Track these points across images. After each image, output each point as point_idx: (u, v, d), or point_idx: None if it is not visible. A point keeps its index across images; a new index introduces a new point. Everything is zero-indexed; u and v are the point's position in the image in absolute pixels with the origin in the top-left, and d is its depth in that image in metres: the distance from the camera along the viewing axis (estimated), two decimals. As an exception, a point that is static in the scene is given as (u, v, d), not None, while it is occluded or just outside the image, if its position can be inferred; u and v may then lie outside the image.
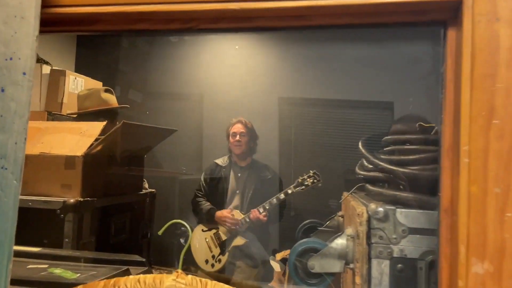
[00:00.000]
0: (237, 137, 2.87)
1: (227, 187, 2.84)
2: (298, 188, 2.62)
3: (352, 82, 3.66)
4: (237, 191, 2.85)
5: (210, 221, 2.82)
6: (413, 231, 0.85)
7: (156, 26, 0.80)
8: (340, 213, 1.29)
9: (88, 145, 1.76)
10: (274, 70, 3.83)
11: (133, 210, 2.07)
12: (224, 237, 2.76)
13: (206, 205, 2.85)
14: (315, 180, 2.62)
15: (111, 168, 1.91)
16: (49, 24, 0.79)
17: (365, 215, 0.87)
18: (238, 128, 2.91)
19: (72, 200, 1.61)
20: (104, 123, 1.86)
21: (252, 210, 2.71)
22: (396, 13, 0.71)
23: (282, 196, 2.65)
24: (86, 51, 4.02)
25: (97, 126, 1.86)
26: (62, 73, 3.10)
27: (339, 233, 0.98)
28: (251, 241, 2.70)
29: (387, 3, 0.68)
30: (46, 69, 3.10)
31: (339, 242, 0.94)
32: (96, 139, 1.81)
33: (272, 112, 3.82)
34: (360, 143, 1.15)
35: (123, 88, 3.73)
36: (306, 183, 2.62)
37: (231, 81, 3.91)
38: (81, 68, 3.93)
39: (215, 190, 2.89)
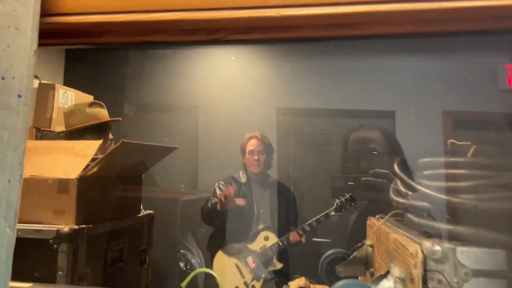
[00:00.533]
0: (256, 156, 2.73)
1: (252, 206, 2.69)
2: (338, 212, 2.55)
3: (352, 91, 3.57)
4: (261, 210, 2.70)
5: (232, 249, 2.66)
6: (477, 273, 0.73)
7: (175, 38, 0.67)
8: (368, 242, 1.16)
9: (83, 166, 1.61)
10: (271, 80, 3.73)
11: (130, 235, 1.91)
12: (257, 261, 2.60)
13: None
14: (352, 203, 2.55)
15: (108, 190, 1.76)
16: (49, 35, 0.66)
17: (420, 256, 0.74)
18: (255, 145, 2.77)
19: (66, 229, 1.46)
20: (100, 141, 1.72)
21: (291, 232, 2.58)
22: (472, 20, 0.59)
23: (322, 218, 2.56)
24: (75, 64, 3.87)
25: (92, 146, 1.72)
26: (51, 87, 2.94)
27: (383, 274, 0.85)
28: (286, 265, 2.57)
29: (465, 8, 0.56)
30: (34, 83, 2.95)
31: (387, 286, 0.81)
32: (93, 159, 1.67)
33: (270, 124, 3.71)
34: (395, 164, 1.03)
35: (115, 101, 3.58)
36: (346, 206, 2.54)
37: (227, 92, 3.79)
38: (71, 81, 3.77)
39: (237, 210, 2.70)
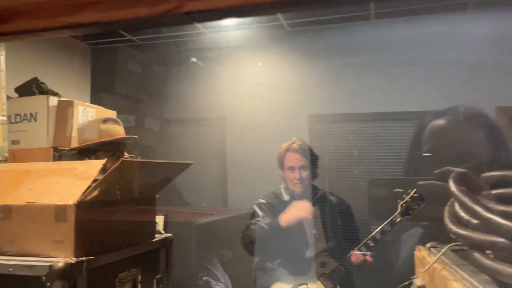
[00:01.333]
0: (297, 174, 2.32)
1: (302, 228, 2.27)
2: (405, 215, 2.03)
3: (388, 93, 3.26)
4: (314, 231, 2.29)
5: (295, 280, 2.29)
6: None
7: (109, 16, 0.44)
8: (418, 283, 0.89)
9: (83, 190, 1.43)
10: (302, 85, 3.48)
11: (143, 263, 1.71)
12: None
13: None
14: (420, 202, 1.97)
15: (114, 215, 1.57)
16: None
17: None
18: (296, 160, 2.34)
19: (60, 264, 1.27)
20: (103, 161, 1.53)
21: (352, 252, 2.16)
22: None
23: (387, 228, 2.09)
24: (100, 80, 3.78)
25: (94, 166, 1.54)
26: (70, 104, 2.83)
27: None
28: None
29: None
30: (54, 101, 2.85)
31: None
32: (95, 180, 1.48)
33: (301, 132, 3.45)
34: (451, 180, 0.76)
35: (138, 117, 3.45)
36: (413, 206, 2.01)
37: (255, 101, 3.58)
38: (96, 98, 3.68)
39: (284, 233, 2.28)
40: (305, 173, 2.35)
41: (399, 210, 2.09)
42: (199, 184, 3.55)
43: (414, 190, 2.04)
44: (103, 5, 0.43)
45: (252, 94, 3.60)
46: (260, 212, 2.35)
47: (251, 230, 2.27)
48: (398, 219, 2.11)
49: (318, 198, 2.39)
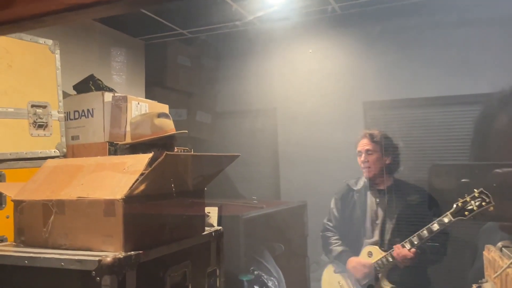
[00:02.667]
0: (362, 157, 2.37)
1: (364, 217, 2.31)
2: (458, 216, 1.97)
3: (448, 76, 3.02)
4: (377, 222, 2.31)
5: (341, 266, 2.34)
6: None
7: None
8: (488, 287, 0.78)
9: (130, 184, 1.43)
10: (356, 72, 3.32)
11: (194, 257, 1.70)
12: (362, 281, 2.23)
13: (336, 245, 2.35)
14: (483, 203, 1.91)
15: (162, 209, 1.56)
16: None
17: None
18: (363, 144, 2.40)
19: (109, 258, 1.27)
20: (150, 155, 1.52)
21: (395, 246, 2.17)
22: None
23: (435, 226, 2.04)
24: (153, 75, 3.84)
25: (142, 160, 1.53)
26: (124, 99, 2.89)
27: None
28: (397, 284, 2.15)
29: None
30: (108, 97, 2.92)
31: None
32: (142, 174, 1.48)
33: (356, 120, 3.30)
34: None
35: (190, 110, 3.46)
36: (469, 207, 1.94)
37: (306, 89, 3.47)
38: (150, 93, 3.75)
39: (349, 221, 2.38)
40: (372, 158, 2.36)
41: (452, 209, 1.96)
42: (251, 176, 3.53)
43: (480, 189, 1.88)
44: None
45: (304, 83, 3.50)
46: (334, 211, 2.44)
47: (325, 243, 2.40)
48: (447, 220, 1.98)
49: (390, 188, 2.36)
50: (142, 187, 1.42)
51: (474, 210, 1.90)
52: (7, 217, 2.02)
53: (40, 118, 2.26)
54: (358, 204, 2.36)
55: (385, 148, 2.40)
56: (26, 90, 2.21)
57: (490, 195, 1.86)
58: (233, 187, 3.47)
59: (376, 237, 2.28)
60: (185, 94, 3.56)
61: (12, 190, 1.69)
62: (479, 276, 0.96)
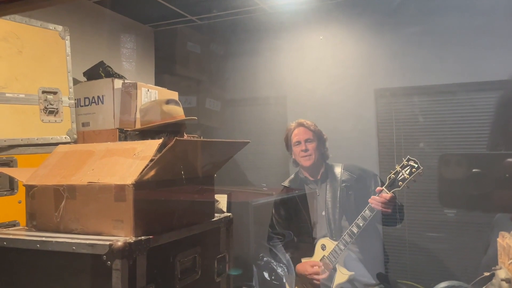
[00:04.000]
0: (303, 146, 2.32)
1: (308, 213, 2.28)
2: (393, 188, 1.98)
3: (462, 62, 2.96)
4: (323, 213, 2.27)
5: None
6: None
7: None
8: (502, 275, 0.77)
9: (140, 169, 1.43)
10: (366, 59, 3.28)
11: (203, 242, 1.70)
12: (321, 279, 2.21)
13: (282, 253, 2.32)
14: (413, 170, 1.94)
15: (172, 194, 1.56)
16: None
17: None
18: (300, 133, 2.36)
19: (120, 243, 1.28)
20: (160, 141, 1.52)
21: (346, 233, 2.14)
22: None
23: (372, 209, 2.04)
24: (162, 62, 3.83)
25: (152, 146, 1.53)
26: (133, 86, 2.89)
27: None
28: (357, 270, 2.15)
29: None
30: (118, 84, 2.93)
31: None
32: (151, 160, 1.48)
33: (367, 107, 3.27)
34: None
35: (200, 97, 3.45)
36: (401, 177, 1.96)
37: (316, 77, 3.44)
38: (159, 80, 3.74)
39: (296, 222, 2.33)
40: (312, 146, 2.33)
41: (386, 182, 1.98)
42: (261, 164, 3.52)
43: (407, 157, 1.90)
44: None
45: (314, 70, 3.46)
46: (276, 217, 2.40)
47: (272, 253, 2.33)
48: (384, 193, 1.98)
49: (329, 176, 2.34)
50: (152, 172, 1.42)
51: (406, 179, 1.92)
52: (19, 202, 2.04)
53: (51, 104, 2.27)
54: (300, 202, 2.32)
55: (320, 135, 2.38)
56: (36, 76, 2.21)
57: (417, 161, 1.90)
58: (243, 174, 3.47)
59: (325, 229, 2.24)
60: (195, 81, 3.55)
61: (24, 175, 1.71)
62: (492, 263, 0.95)
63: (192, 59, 3.61)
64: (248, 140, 1.67)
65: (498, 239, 0.86)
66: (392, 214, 2.05)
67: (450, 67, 2.98)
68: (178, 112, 2.22)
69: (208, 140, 1.54)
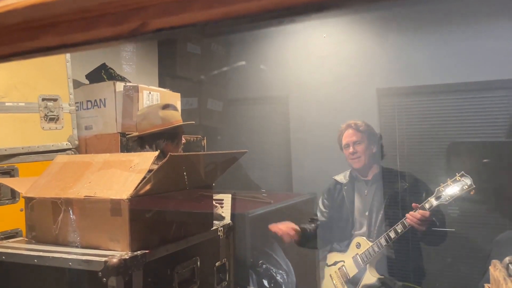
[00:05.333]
0: (351, 149, 2.30)
1: (352, 210, 2.29)
2: (439, 201, 1.94)
3: (468, 61, 2.91)
4: (366, 213, 2.28)
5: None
6: None
7: (69, 37, 0.37)
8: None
9: (136, 184, 1.43)
10: (370, 57, 3.23)
11: (202, 252, 1.71)
12: (351, 273, 2.23)
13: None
14: (464, 187, 1.88)
15: (168, 207, 1.57)
16: None
17: None
18: (349, 136, 2.34)
19: (114, 260, 1.28)
20: (156, 153, 1.52)
21: (383, 235, 2.14)
22: None
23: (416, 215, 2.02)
24: (164, 64, 3.82)
25: (148, 158, 1.53)
26: (135, 89, 2.88)
27: None
28: (386, 274, 2.15)
29: None
30: (120, 86, 2.92)
31: None
32: (149, 171, 1.48)
33: (370, 107, 3.24)
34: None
35: (201, 98, 3.44)
36: (451, 192, 1.92)
37: (319, 76, 3.41)
38: (162, 82, 3.73)
39: (339, 216, 2.34)
40: (360, 148, 2.30)
41: (434, 193, 1.94)
42: (263, 163, 3.51)
43: (461, 173, 1.85)
44: (62, 28, 0.36)
45: (316, 69, 3.43)
46: (321, 207, 2.41)
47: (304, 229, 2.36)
48: (428, 206, 1.95)
49: (375, 178, 2.33)
50: (147, 187, 1.42)
51: (456, 194, 1.89)
52: (21, 210, 2.05)
53: (51, 111, 2.27)
54: (346, 198, 2.33)
55: (371, 135, 2.35)
56: (36, 83, 2.22)
57: (471, 178, 1.85)
58: (245, 174, 3.47)
59: (364, 228, 2.25)
60: (196, 82, 3.54)
61: (23, 186, 1.72)
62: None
63: (192, 60, 3.59)
64: (245, 150, 1.66)
65: (490, 267, 0.85)
66: (426, 232, 2.06)
67: (455, 66, 2.93)
68: (174, 117, 2.21)
69: (203, 153, 1.54)
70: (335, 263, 2.26)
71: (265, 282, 2.14)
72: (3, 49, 0.39)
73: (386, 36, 3.19)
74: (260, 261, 2.16)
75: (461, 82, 2.91)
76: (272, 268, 2.15)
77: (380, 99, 3.19)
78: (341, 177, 2.42)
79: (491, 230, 2.70)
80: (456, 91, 2.97)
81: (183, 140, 2.16)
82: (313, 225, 2.35)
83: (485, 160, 2.10)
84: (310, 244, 2.34)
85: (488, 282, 1.06)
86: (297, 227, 2.25)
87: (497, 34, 2.78)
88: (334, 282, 2.23)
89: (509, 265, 0.79)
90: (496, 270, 0.80)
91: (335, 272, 2.24)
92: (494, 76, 2.77)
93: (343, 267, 2.24)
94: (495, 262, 0.84)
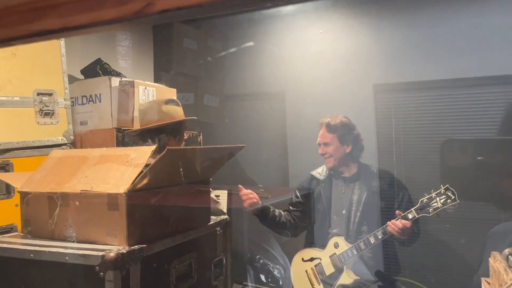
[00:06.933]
0: (320, 150, 2.31)
1: (329, 208, 2.27)
2: (422, 213, 1.96)
3: (467, 56, 2.91)
4: (343, 212, 2.26)
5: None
6: None
7: (74, 20, 0.36)
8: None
9: (133, 178, 1.42)
10: (366, 53, 3.23)
11: (199, 247, 1.70)
12: (327, 272, 2.23)
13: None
14: (448, 200, 1.91)
15: (166, 201, 1.56)
16: None
17: None
18: (320, 136, 2.35)
19: (112, 254, 1.27)
20: (153, 148, 1.51)
21: (362, 240, 2.14)
22: None
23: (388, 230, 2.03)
24: (160, 59, 3.79)
25: (145, 152, 1.52)
26: (130, 84, 2.86)
27: None
28: (362, 276, 2.15)
29: None
30: (115, 82, 2.90)
31: None
32: (146, 165, 1.47)
33: (366, 103, 3.24)
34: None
35: (197, 94, 3.43)
36: (434, 204, 1.94)
37: (316, 72, 3.40)
38: (158, 78, 3.70)
39: (315, 212, 2.33)
40: (330, 149, 2.29)
41: (418, 204, 1.94)
42: (260, 159, 3.51)
43: (446, 186, 1.86)
44: (64, 9, 0.35)
45: (313, 65, 3.42)
46: (294, 198, 2.42)
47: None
48: (411, 216, 1.96)
49: (356, 177, 2.32)
50: (144, 181, 1.41)
51: (439, 208, 1.90)
52: (16, 205, 2.04)
53: (46, 106, 2.25)
54: (323, 194, 2.31)
55: (344, 135, 2.30)
56: (31, 78, 2.19)
57: (456, 192, 1.86)
58: (242, 170, 3.46)
59: (342, 228, 2.23)
60: (192, 78, 3.52)
61: (19, 181, 1.70)
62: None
63: (189, 55, 3.58)
64: (243, 145, 1.65)
65: (490, 259, 0.85)
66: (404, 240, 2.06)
67: (450, 62, 2.93)
68: (177, 112, 2.21)
69: (201, 147, 1.53)
70: (311, 259, 2.26)
71: (262, 277, 2.14)
72: (2, 32, 0.38)
73: (383, 32, 3.18)
74: (258, 256, 2.15)
75: (457, 78, 2.92)
76: (269, 263, 2.15)
77: (377, 95, 3.19)
78: (319, 172, 2.41)
79: (485, 224, 2.71)
80: (452, 87, 2.98)
81: (185, 136, 2.15)
82: (280, 211, 2.34)
83: (479, 158, 2.10)
84: (271, 226, 2.32)
85: (484, 274, 1.06)
86: (259, 199, 2.24)
87: (493, 30, 2.78)
88: (310, 278, 2.23)
89: (509, 256, 0.79)
90: (496, 261, 0.80)
91: (311, 268, 2.24)
92: (490, 72, 2.78)
93: (320, 265, 2.24)
94: (494, 253, 0.84)
